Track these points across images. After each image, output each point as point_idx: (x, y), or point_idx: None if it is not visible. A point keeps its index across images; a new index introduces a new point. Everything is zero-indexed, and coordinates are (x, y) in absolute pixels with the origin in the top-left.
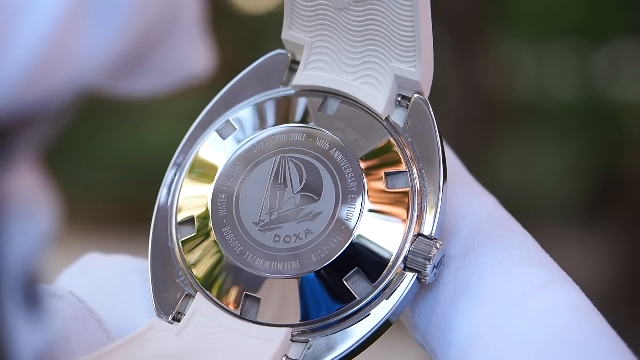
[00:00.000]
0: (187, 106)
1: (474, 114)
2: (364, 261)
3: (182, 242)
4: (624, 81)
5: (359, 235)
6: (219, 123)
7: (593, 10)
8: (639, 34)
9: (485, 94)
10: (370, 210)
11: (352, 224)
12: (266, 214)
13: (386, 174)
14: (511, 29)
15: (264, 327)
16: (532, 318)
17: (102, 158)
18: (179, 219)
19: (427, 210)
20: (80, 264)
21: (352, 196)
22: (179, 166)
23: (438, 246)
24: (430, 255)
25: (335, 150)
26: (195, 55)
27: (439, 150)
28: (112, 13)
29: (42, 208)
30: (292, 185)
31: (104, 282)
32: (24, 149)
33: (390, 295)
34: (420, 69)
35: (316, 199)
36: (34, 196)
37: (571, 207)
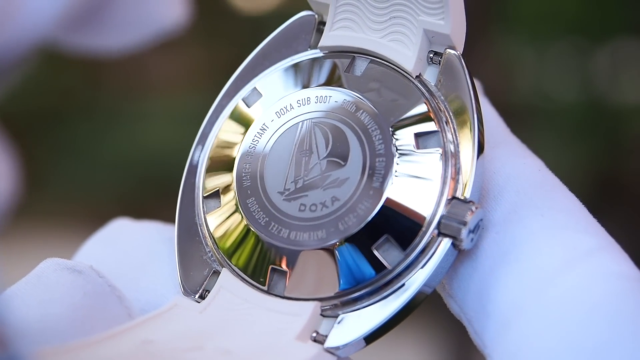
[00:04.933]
0: (187, 107)
1: None
2: (394, 228)
3: (208, 216)
4: (624, 82)
5: (387, 201)
6: (245, 91)
7: (594, 10)
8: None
9: (485, 94)
10: (400, 174)
11: (380, 189)
12: (291, 182)
13: (416, 135)
14: (512, 29)
15: (291, 301)
16: (575, 288)
17: (101, 158)
18: (205, 193)
19: (462, 172)
20: (108, 231)
21: (380, 159)
22: (205, 139)
23: (474, 209)
24: (465, 219)
25: (362, 112)
26: (166, 7)
27: (472, 107)
28: None
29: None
30: (317, 151)
31: (130, 252)
32: None
33: (425, 263)
34: (449, 21)
35: (343, 164)
36: None
37: None
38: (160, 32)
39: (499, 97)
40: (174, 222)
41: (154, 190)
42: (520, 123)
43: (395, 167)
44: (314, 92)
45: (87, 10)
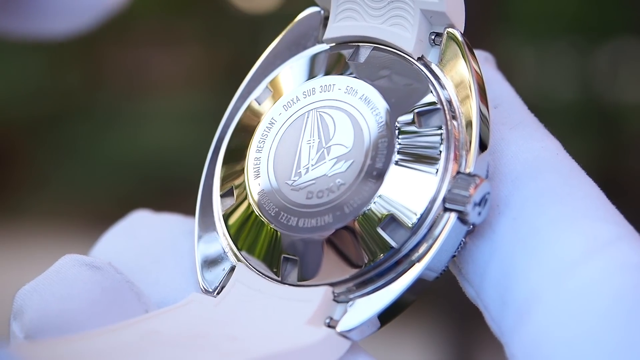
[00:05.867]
0: (187, 107)
1: None
2: (399, 207)
3: (224, 214)
4: (624, 81)
5: (391, 180)
6: (258, 91)
7: (593, 10)
8: (639, 33)
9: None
10: (403, 153)
11: (383, 169)
12: (298, 172)
13: (418, 113)
14: (512, 29)
15: (303, 288)
16: (596, 279)
17: (102, 158)
18: (221, 192)
19: (466, 148)
20: (128, 223)
21: (383, 140)
22: (221, 141)
23: (477, 181)
24: (469, 192)
25: (364, 96)
26: None
27: (474, 83)
28: None
29: None
30: (323, 138)
31: (150, 245)
32: None
33: (433, 240)
34: None
35: (347, 148)
36: None
37: None
38: (103, 13)
39: None
40: None
41: (154, 190)
42: None
43: (397, 146)
44: (318, 81)
45: None
